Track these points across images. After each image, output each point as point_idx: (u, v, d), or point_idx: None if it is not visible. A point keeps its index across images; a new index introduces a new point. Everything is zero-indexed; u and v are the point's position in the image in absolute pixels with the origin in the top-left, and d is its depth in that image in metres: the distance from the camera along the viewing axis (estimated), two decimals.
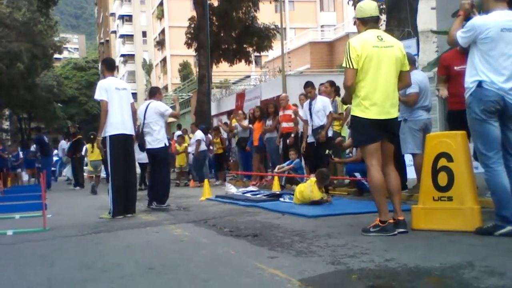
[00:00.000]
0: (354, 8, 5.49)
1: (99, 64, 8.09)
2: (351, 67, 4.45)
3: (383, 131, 4.51)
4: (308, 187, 7.01)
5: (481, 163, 4.21)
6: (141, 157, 14.07)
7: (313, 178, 7.17)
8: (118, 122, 7.06)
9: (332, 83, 9.77)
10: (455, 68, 6.11)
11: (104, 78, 7.35)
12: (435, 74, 8.84)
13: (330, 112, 8.78)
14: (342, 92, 8.93)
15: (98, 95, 7.08)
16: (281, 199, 7.68)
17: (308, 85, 9.11)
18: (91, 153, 14.60)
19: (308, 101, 9.19)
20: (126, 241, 5.01)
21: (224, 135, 15.26)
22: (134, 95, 62.03)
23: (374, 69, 4.43)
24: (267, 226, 5.34)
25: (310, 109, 8.96)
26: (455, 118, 5.95)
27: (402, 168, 7.09)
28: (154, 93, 8.40)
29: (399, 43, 4.69)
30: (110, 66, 7.64)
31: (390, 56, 4.47)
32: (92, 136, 15.27)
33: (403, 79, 4.63)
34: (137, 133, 7.72)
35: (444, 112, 10.09)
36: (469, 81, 4.17)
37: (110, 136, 7.04)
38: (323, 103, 8.84)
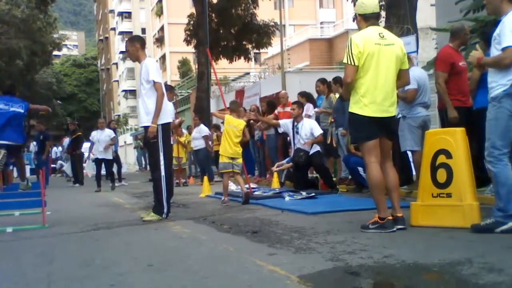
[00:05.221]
0: (354, 5, 5.48)
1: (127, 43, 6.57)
2: (353, 63, 4.42)
3: (382, 128, 4.51)
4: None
5: (490, 157, 4.09)
6: None
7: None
8: (171, 110, 6.47)
9: (323, 81, 9.79)
10: (460, 64, 6.10)
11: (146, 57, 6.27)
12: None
13: (321, 133, 8.64)
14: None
15: (158, 77, 6.06)
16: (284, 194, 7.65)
17: (297, 100, 9.24)
18: None
19: (291, 119, 8.92)
20: (125, 238, 5.01)
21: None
22: (134, 91, 62.14)
23: (374, 67, 4.41)
24: (266, 223, 5.35)
25: (293, 129, 8.79)
26: (459, 115, 5.94)
27: (407, 164, 7.10)
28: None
29: (399, 41, 4.67)
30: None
31: (390, 54, 4.45)
32: None
33: (402, 78, 4.62)
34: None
35: None
36: (504, 79, 4.05)
37: (163, 125, 6.11)
38: (310, 126, 8.66)
